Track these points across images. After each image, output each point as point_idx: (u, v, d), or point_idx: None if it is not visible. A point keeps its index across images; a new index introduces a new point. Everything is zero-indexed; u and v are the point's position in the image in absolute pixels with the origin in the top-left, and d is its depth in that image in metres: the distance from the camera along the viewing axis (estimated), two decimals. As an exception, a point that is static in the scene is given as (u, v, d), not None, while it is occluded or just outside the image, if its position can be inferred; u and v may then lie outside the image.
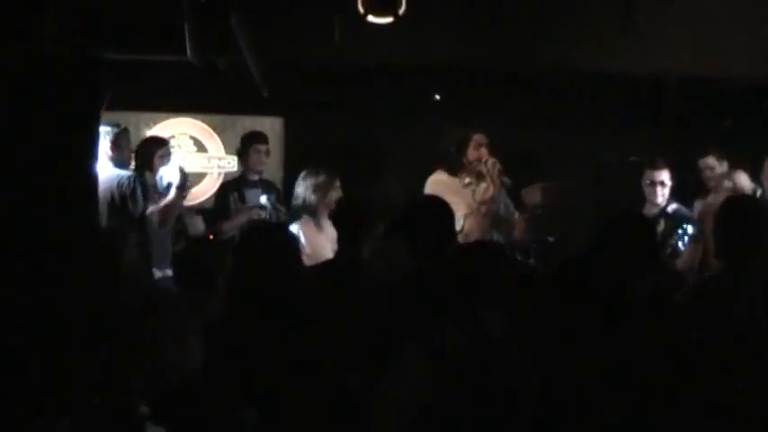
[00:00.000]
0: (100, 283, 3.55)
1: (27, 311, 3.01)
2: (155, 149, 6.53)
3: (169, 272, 6.34)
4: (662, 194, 6.45)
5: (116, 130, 6.23)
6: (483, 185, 5.65)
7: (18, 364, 2.94)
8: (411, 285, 3.90)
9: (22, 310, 3.01)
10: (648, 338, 3.49)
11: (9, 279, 3.30)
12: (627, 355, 3.34)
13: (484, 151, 5.67)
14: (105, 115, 6.17)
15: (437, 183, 5.67)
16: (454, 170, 5.68)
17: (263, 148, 6.96)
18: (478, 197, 5.55)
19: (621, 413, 3.17)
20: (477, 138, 5.69)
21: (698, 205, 6.62)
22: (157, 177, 6.29)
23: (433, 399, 2.95)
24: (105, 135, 6.08)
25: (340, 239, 4.52)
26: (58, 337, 3.11)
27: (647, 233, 4.21)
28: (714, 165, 6.66)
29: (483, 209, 5.49)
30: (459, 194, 5.57)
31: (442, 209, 4.26)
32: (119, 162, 6.20)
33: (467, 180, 5.68)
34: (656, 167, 6.50)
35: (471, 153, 5.67)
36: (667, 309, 3.83)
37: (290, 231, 4.75)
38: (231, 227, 6.53)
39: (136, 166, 6.46)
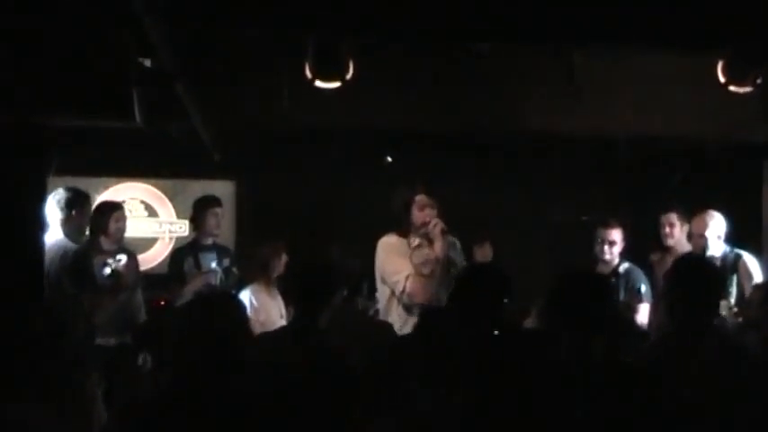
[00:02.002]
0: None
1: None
2: (109, 214, 6.48)
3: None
4: (611, 253, 6.53)
5: (71, 195, 6.11)
6: (430, 247, 5.60)
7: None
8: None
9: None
10: (604, 401, 3.46)
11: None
12: (582, 420, 3.30)
13: (428, 212, 5.57)
14: (57, 181, 6.13)
15: (386, 244, 5.64)
16: (403, 232, 5.65)
17: (218, 211, 6.89)
18: (418, 259, 5.50)
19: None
20: (420, 199, 5.59)
21: (655, 258, 6.70)
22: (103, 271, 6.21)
23: None
24: (60, 201, 6.02)
25: (293, 307, 4.35)
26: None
27: (596, 293, 4.18)
28: (675, 222, 6.75)
29: (425, 270, 5.45)
30: (405, 256, 5.54)
31: None
32: (73, 230, 6.09)
33: (416, 242, 5.63)
34: (607, 226, 6.59)
35: (416, 215, 5.58)
36: (622, 370, 3.81)
37: (238, 299, 4.65)
38: (187, 292, 6.39)
39: (90, 231, 6.37)
